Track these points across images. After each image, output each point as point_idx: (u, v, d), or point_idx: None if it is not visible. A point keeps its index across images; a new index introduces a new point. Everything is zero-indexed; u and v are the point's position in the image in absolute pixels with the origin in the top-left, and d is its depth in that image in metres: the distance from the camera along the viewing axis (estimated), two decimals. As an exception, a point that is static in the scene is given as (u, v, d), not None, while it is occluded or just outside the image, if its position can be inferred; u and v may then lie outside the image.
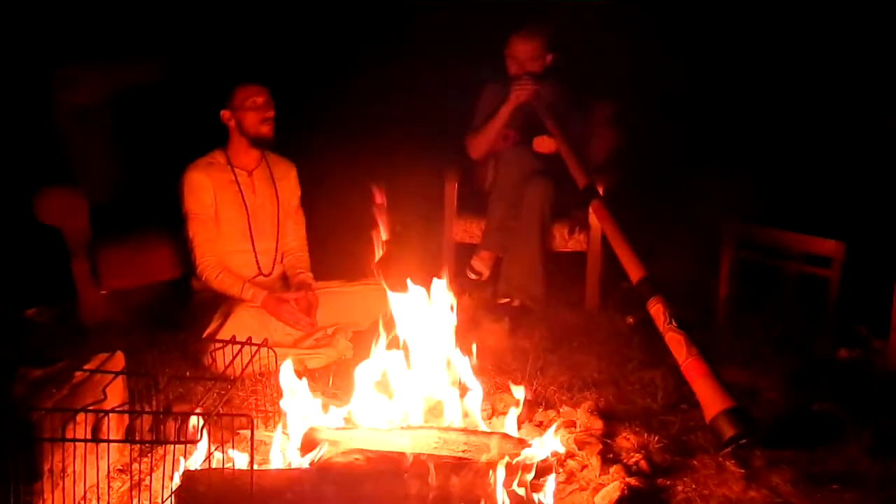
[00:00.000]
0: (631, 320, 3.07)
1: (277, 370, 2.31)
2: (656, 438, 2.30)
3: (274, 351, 2.36)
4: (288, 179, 3.13)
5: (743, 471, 2.18)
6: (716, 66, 4.12)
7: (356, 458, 2.02)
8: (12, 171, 3.46)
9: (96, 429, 2.01)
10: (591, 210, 3.16)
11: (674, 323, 2.46)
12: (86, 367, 2.13)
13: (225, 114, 2.95)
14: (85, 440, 1.93)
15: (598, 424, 2.35)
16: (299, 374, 2.64)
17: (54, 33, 3.67)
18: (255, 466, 1.94)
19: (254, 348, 2.28)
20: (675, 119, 4.18)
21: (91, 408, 1.96)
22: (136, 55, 3.60)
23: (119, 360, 2.24)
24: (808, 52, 3.97)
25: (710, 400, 2.29)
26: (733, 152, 3.99)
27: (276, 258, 3.08)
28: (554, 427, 2.19)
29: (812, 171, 3.79)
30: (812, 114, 3.92)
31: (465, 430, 2.12)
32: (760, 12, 4.07)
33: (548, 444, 2.08)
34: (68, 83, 3.37)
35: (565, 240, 3.42)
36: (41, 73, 3.40)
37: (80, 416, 1.94)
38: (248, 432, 1.93)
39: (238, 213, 2.98)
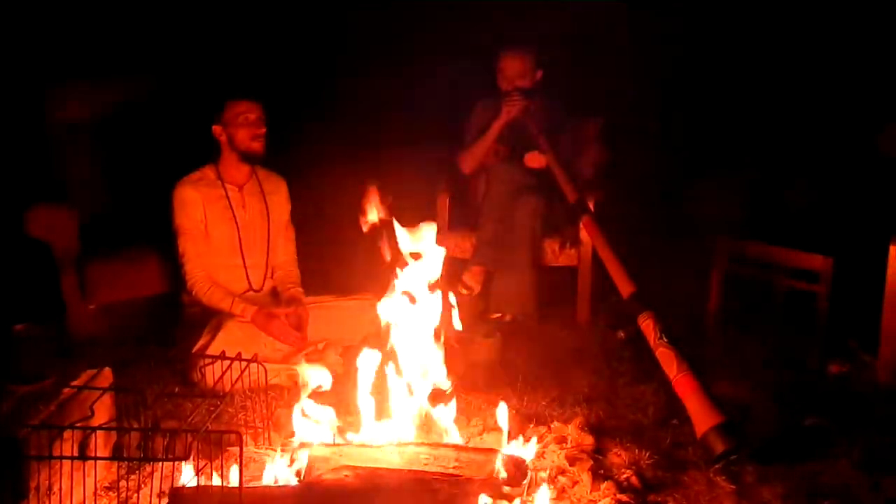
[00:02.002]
0: (622, 335, 3.07)
1: (267, 386, 2.30)
2: (647, 454, 2.29)
3: (263, 366, 2.35)
4: (278, 194, 3.13)
5: (734, 486, 2.18)
6: (706, 79, 4.17)
7: (346, 475, 2.01)
8: (2, 185, 3.45)
9: (83, 446, 1.99)
10: (581, 225, 3.17)
11: (664, 338, 2.47)
12: (73, 383, 2.11)
13: (216, 129, 2.95)
14: (72, 458, 1.92)
15: (588, 440, 2.34)
16: (288, 390, 2.64)
17: (46, 50, 3.69)
18: (245, 483, 1.92)
19: (243, 364, 2.27)
20: (666, 134, 4.23)
21: (78, 425, 1.94)
22: (126, 72, 3.61)
23: (107, 376, 2.23)
24: (798, 68, 4.01)
25: (701, 415, 2.29)
26: (724, 167, 4.03)
27: (266, 273, 3.08)
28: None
29: (801, 187, 3.83)
30: (802, 129, 3.96)
31: (455, 447, 2.11)
32: (749, 27, 4.12)
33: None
34: (59, 99, 3.40)
35: (556, 255, 3.44)
36: (33, 89, 3.41)
37: (67, 433, 1.92)
38: (236, 449, 1.92)
39: (228, 228, 2.98)
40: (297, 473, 2.07)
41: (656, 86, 4.14)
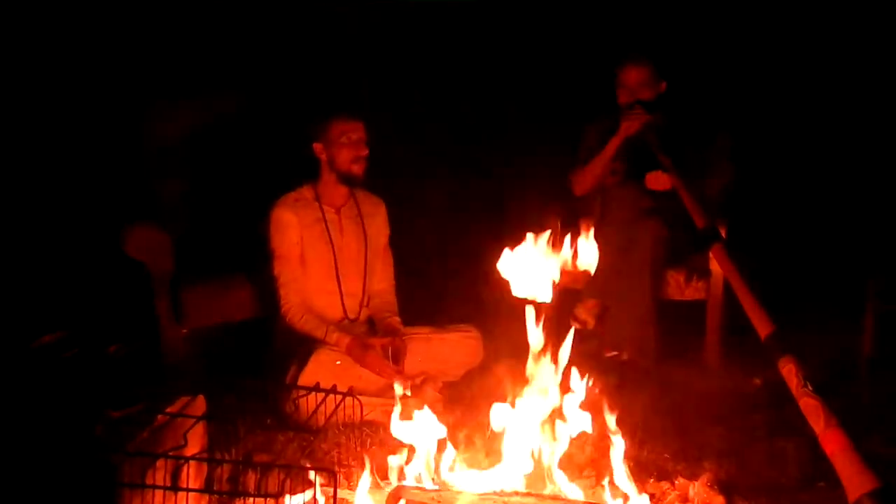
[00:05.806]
0: (758, 382, 2.98)
1: (362, 421, 2.36)
2: (788, 521, 2.21)
3: (359, 401, 2.40)
4: (377, 217, 3.20)
5: (892, 564, 2.06)
6: (856, 98, 4.02)
7: (442, 524, 2.03)
8: (98, 206, 3.71)
9: (175, 475, 2.10)
10: (711, 254, 3.10)
11: (809, 387, 2.36)
12: (167, 409, 2.23)
13: (317, 146, 3.05)
14: (164, 487, 2.02)
15: (718, 501, 2.28)
16: (382, 426, 2.69)
17: (139, 69, 3.94)
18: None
19: (338, 397, 2.33)
20: (812, 154, 4.08)
21: (171, 454, 2.05)
22: (220, 90, 3.81)
23: (200, 404, 2.33)
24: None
25: (854, 478, 2.18)
26: (880, 193, 3.86)
27: (362, 301, 3.15)
28: None
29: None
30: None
31: (567, 501, 2.09)
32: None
33: None
34: (155, 119, 3.61)
35: (681, 287, 3.37)
36: (128, 109, 3.66)
37: (160, 462, 2.03)
38: (330, 489, 1.97)
39: (324, 252, 3.07)
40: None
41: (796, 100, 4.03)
